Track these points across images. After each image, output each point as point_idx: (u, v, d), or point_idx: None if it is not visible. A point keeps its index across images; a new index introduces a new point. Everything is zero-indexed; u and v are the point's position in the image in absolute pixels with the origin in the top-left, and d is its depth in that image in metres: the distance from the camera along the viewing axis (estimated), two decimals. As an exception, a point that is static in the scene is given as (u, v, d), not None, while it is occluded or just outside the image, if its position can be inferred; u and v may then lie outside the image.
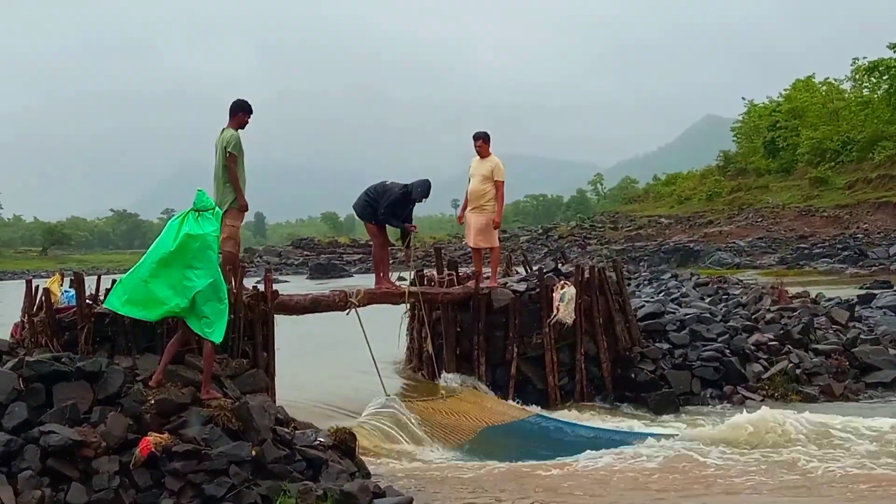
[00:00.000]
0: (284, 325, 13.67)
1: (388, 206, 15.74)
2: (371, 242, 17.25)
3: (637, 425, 14.57)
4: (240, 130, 13.59)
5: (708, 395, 16.32)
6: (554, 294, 16.05)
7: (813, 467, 11.37)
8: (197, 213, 11.01)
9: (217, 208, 11.36)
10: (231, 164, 13.26)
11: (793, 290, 25.11)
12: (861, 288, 32.83)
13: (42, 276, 29.58)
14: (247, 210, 13.69)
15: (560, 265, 18.90)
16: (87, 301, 12.04)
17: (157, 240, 11.09)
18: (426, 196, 15.78)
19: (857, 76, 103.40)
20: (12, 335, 12.91)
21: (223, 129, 13.55)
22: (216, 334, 10.85)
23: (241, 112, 13.64)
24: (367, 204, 15.94)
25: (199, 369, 11.28)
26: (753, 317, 19.97)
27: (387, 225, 16.12)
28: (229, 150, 13.22)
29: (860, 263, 52.24)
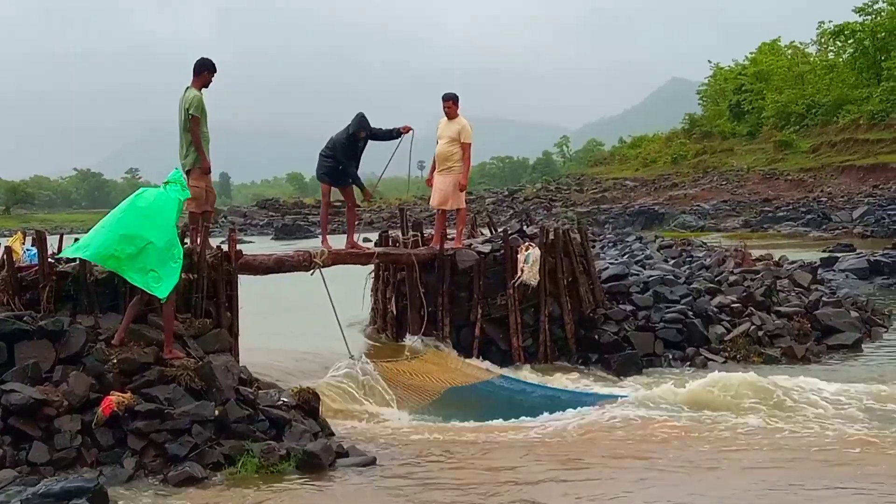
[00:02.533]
0: (249, 286, 13.64)
1: (346, 157, 15.64)
2: (333, 202, 17.09)
3: (600, 386, 14.65)
4: (204, 90, 13.54)
5: (671, 357, 16.42)
6: (518, 255, 16.06)
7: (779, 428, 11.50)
8: (166, 184, 11.14)
9: (186, 189, 11.42)
10: (193, 125, 13.22)
11: (756, 253, 25.32)
12: (824, 251, 33.10)
13: (4, 235, 29.40)
14: (209, 172, 13.62)
15: (525, 227, 18.94)
16: (50, 260, 11.96)
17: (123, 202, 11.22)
18: (365, 129, 15.64)
19: (822, 40, 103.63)
20: (-27, 294, 12.82)
21: (186, 89, 13.47)
22: (161, 290, 10.81)
23: (205, 71, 13.56)
24: (327, 163, 15.79)
25: (162, 329, 11.26)
26: (717, 279, 20.09)
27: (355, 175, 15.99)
28: (191, 112, 13.18)
29: (824, 227, 52.62)
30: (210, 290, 12.50)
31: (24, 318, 10.67)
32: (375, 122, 15.85)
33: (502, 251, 16.30)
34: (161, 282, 10.82)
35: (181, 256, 11.13)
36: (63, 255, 11.38)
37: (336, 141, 15.62)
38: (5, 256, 12.14)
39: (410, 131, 16.13)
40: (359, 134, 15.57)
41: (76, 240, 12.14)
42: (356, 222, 16.69)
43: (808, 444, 10.74)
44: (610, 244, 35.83)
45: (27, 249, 12.51)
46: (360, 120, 15.57)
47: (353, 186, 16.10)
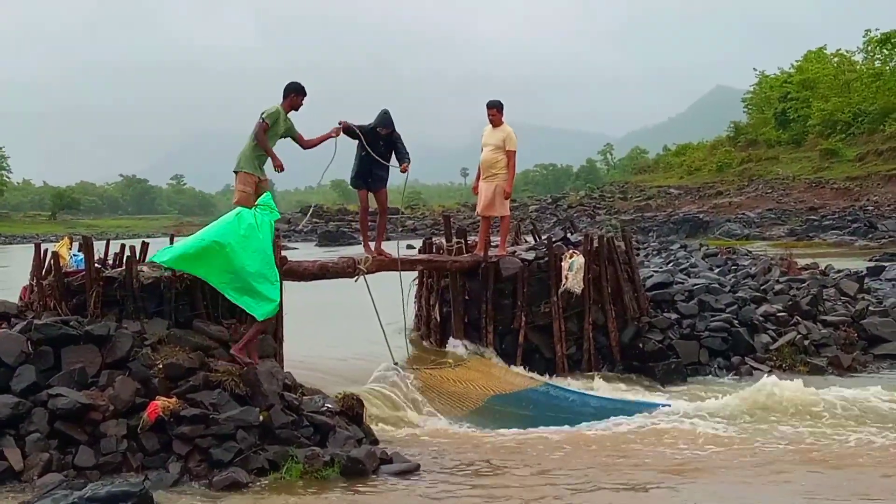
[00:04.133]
0: (293, 292, 13.67)
1: (368, 145, 15.27)
2: (374, 209, 16.84)
3: (644, 395, 14.58)
4: (293, 112, 13.85)
5: (716, 366, 16.29)
6: (562, 263, 16.02)
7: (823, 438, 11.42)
8: (257, 207, 11.44)
9: (275, 211, 11.84)
10: (259, 130, 13.38)
11: (802, 262, 25.11)
12: (870, 260, 32.76)
13: (51, 241, 29.74)
14: (282, 169, 13.83)
15: (569, 234, 18.88)
16: (96, 265, 12.06)
17: (218, 220, 11.70)
18: (387, 126, 15.18)
19: (869, 48, 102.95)
20: (21, 298, 12.97)
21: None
22: (260, 311, 11.33)
23: (293, 93, 13.82)
24: (356, 165, 15.59)
25: (207, 334, 11.38)
26: (762, 288, 19.92)
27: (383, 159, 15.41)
28: (262, 116, 13.40)
29: (870, 236, 52.10)
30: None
31: (71, 323, 10.76)
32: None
33: (546, 258, 16.26)
34: (260, 304, 11.31)
35: (278, 278, 11.57)
36: (178, 267, 11.58)
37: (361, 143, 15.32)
38: (52, 261, 12.26)
39: (406, 172, 15.51)
40: (379, 129, 15.30)
41: (122, 246, 12.34)
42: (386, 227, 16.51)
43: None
44: (654, 252, 35.71)
45: (74, 255, 12.63)
46: (384, 116, 15.30)
47: (387, 190, 15.97)
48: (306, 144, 14.21)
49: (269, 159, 13.77)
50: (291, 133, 13.95)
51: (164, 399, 9.93)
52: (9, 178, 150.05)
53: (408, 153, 15.43)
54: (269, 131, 13.49)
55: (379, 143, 15.24)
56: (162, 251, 11.57)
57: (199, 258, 11.25)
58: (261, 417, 9.98)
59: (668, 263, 27.52)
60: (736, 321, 17.04)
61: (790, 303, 18.29)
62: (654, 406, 13.36)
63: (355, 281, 14.62)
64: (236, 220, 11.36)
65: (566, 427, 12.46)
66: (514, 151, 16.38)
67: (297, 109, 13.88)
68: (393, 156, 15.42)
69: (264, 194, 11.89)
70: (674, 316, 17.11)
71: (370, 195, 15.81)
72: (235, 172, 13.67)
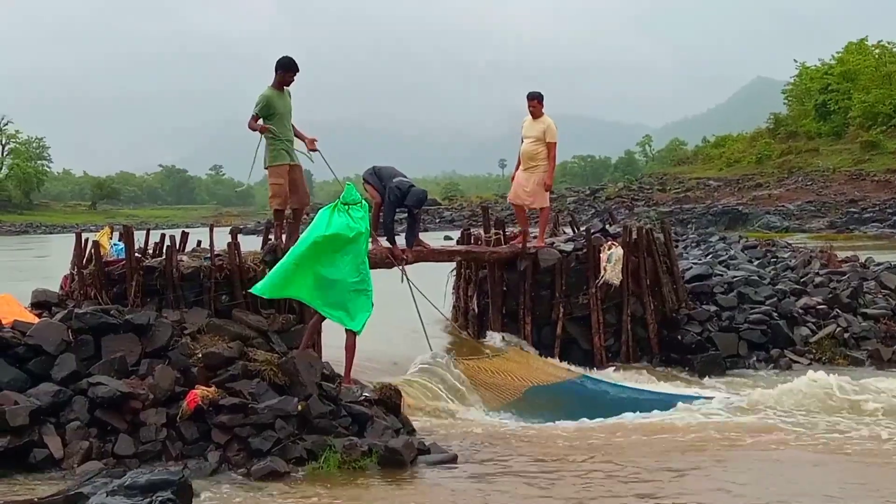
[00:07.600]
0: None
1: (392, 196, 15.02)
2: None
3: (683, 388, 14.52)
4: (286, 88, 13.68)
5: (755, 359, 16.21)
6: (601, 255, 15.98)
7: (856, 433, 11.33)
8: (346, 207, 11.32)
9: (364, 201, 11.75)
10: (250, 121, 13.35)
11: (842, 255, 24.89)
12: (911, 253, 32.45)
13: (91, 230, 29.83)
14: (264, 131, 13.44)
15: (607, 226, 18.80)
16: (136, 254, 12.12)
17: (308, 228, 11.55)
18: (417, 207, 15.09)
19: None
20: (62, 287, 13.06)
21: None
22: (356, 324, 11.48)
23: (280, 70, 13.56)
24: (374, 173, 15.41)
25: (246, 324, 11.43)
26: (802, 280, 19.79)
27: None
28: (253, 112, 13.36)
29: (910, 228, 51.74)
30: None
31: (112, 312, 10.83)
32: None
33: (585, 250, 16.21)
34: (356, 316, 11.44)
35: (371, 288, 11.62)
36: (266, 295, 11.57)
37: (394, 189, 14.82)
38: (93, 251, 12.34)
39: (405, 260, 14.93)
40: (411, 205, 14.96)
41: (162, 235, 12.40)
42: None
43: None
44: (693, 244, 35.48)
45: (114, 244, 12.70)
46: (419, 201, 14.95)
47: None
48: (254, 128, 13.56)
49: (297, 143, 13.76)
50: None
51: (204, 388, 9.97)
52: (49, 168, 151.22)
53: (418, 232, 15.51)
54: (271, 116, 13.38)
55: (401, 207, 15.05)
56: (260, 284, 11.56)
57: (288, 282, 11.26)
58: (299, 407, 9.99)
59: (706, 255, 27.32)
60: (775, 314, 16.93)
61: (830, 295, 18.17)
62: (694, 398, 13.30)
63: (391, 269, 14.60)
64: (325, 233, 11.25)
65: (604, 419, 12.43)
66: (555, 143, 16.36)
67: (287, 85, 13.74)
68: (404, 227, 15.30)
69: (346, 187, 11.70)
70: (713, 308, 17.04)
71: None
72: (266, 169, 13.71)
